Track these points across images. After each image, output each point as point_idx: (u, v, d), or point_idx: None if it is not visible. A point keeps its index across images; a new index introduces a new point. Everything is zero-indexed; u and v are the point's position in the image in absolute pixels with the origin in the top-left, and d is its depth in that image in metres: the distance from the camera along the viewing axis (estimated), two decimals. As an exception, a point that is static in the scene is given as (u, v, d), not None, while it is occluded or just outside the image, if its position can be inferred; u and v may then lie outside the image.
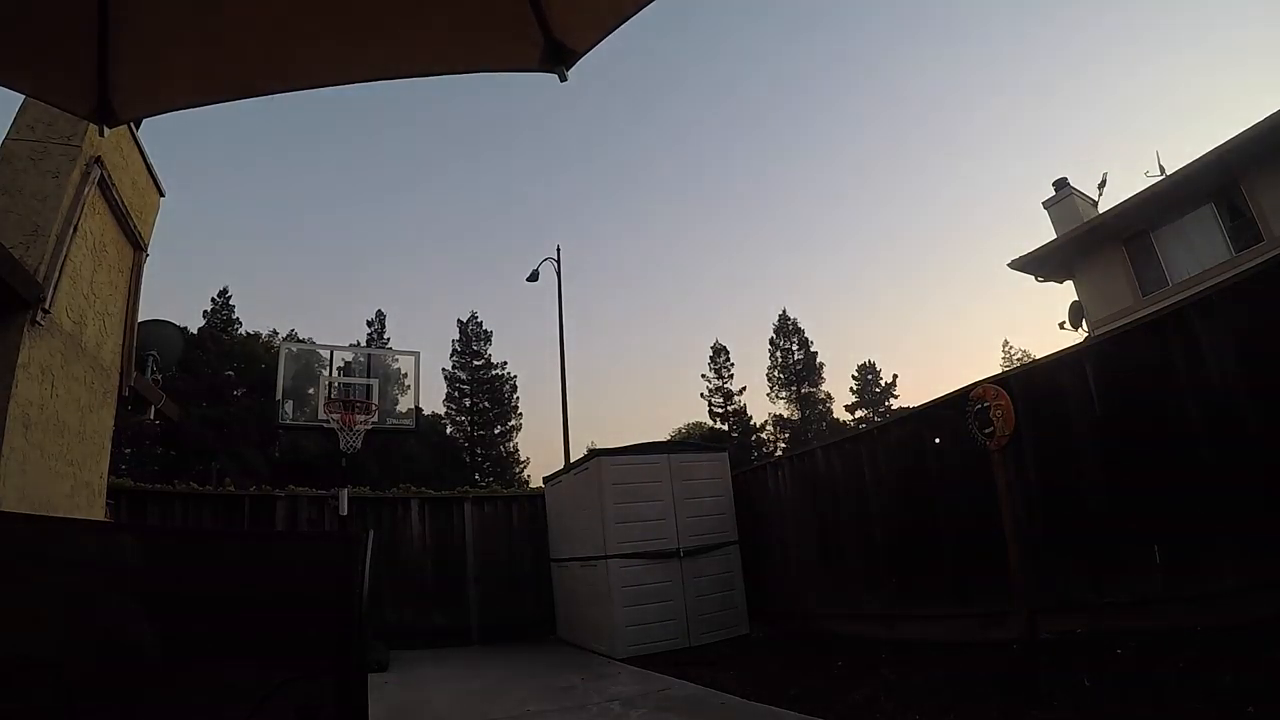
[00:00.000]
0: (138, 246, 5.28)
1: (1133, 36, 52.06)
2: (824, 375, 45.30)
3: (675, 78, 63.43)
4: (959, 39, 56.69)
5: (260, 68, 1.93)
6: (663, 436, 37.39)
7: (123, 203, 4.79)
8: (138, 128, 5.12)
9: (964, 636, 5.20)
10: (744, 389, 44.43)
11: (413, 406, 9.46)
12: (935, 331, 66.72)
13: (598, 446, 8.28)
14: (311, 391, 8.21)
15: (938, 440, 5.83)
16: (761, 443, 43.36)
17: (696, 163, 65.23)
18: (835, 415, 45.03)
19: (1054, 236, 13.84)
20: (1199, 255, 11.42)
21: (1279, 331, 3.70)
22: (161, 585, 2.48)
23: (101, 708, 2.19)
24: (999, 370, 32.54)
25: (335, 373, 8.44)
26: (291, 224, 61.13)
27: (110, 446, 4.90)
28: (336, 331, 48.57)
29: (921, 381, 57.90)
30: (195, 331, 32.98)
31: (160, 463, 26.41)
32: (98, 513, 4.63)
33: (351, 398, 8.16)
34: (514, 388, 41.65)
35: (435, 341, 49.95)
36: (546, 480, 9.84)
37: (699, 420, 44.72)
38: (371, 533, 2.90)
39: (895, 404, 43.76)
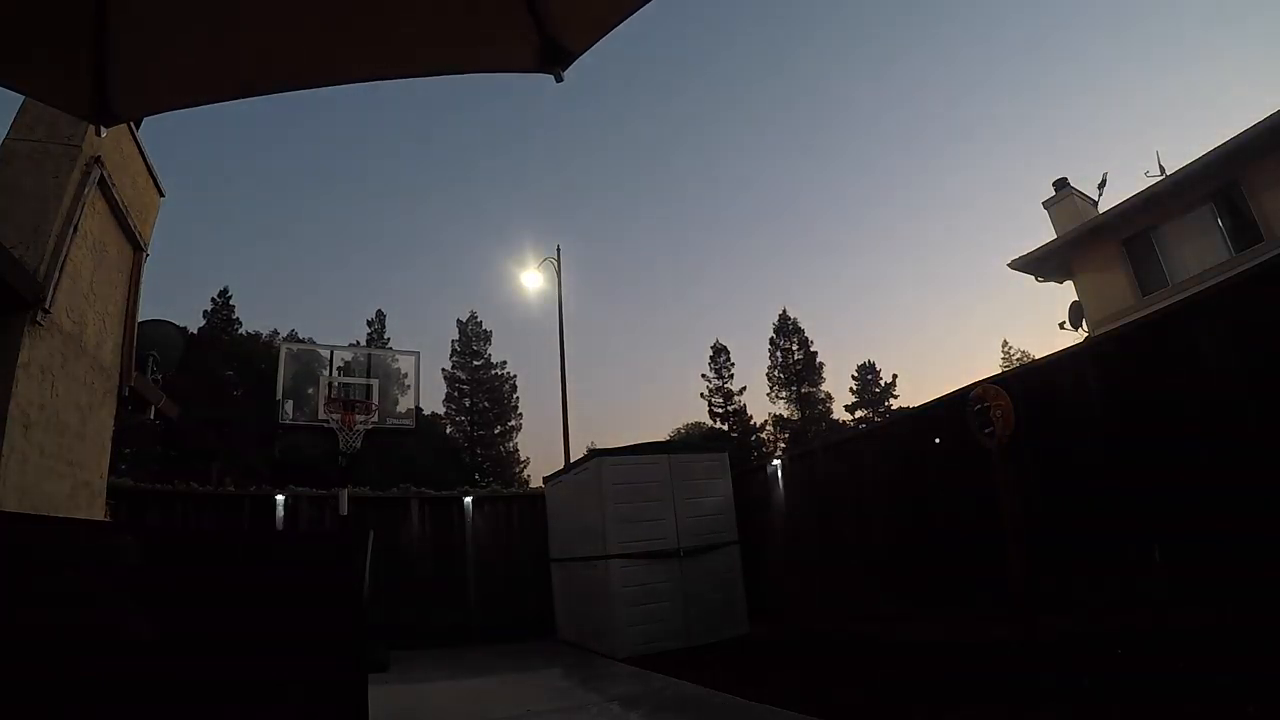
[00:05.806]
0: (138, 246, 5.28)
1: (1134, 36, 52.09)
2: (824, 375, 45.16)
3: (677, 77, 63.46)
4: (961, 39, 56.70)
5: (259, 68, 1.93)
6: (663, 436, 37.44)
7: (123, 203, 4.79)
8: (138, 128, 5.12)
9: (964, 636, 5.20)
10: (744, 389, 44.33)
11: (413, 406, 9.48)
12: (935, 331, 66.51)
13: (598, 446, 8.29)
14: (311, 391, 8.22)
15: (938, 440, 5.83)
16: (761, 443, 43.25)
17: (697, 162, 65.19)
18: (835, 415, 44.91)
19: (1054, 236, 13.85)
20: (1199, 255, 11.42)
21: (1278, 331, 3.70)
22: (161, 586, 2.48)
23: (101, 707, 2.19)
24: (999, 370, 32.60)
25: (335, 373, 8.45)
26: (291, 223, 61.09)
27: (110, 446, 4.90)
28: (336, 331, 48.41)
29: (921, 381, 57.69)
30: (195, 331, 32.95)
31: (160, 463, 26.32)
32: (98, 513, 4.63)
33: (351, 398, 8.18)
34: (514, 388, 41.63)
35: (435, 341, 49.99)
36: (546, 480, 9.84)
37: (699, 420, 44.61)
38: (372, 533, 2.90)
39: (895, 404, 43.61)
